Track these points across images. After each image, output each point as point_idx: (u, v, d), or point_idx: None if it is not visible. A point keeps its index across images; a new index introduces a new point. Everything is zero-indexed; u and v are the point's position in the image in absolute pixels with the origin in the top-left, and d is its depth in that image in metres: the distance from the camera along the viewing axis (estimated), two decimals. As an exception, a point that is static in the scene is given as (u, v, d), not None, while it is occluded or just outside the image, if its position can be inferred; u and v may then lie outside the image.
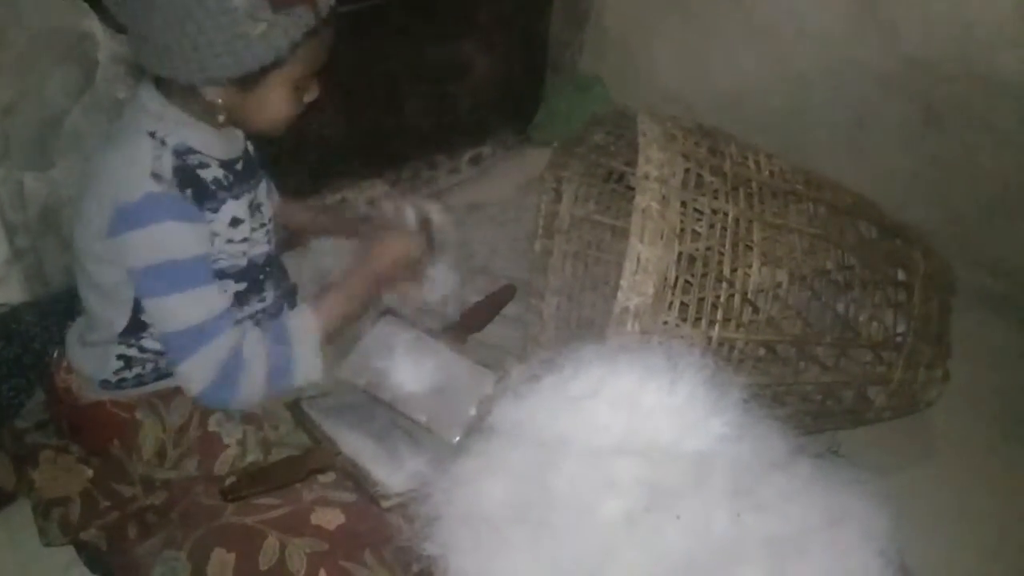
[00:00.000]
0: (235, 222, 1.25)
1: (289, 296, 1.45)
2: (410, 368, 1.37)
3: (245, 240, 1.27)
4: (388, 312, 1.45)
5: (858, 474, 1.12)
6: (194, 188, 1.18)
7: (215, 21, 1.06)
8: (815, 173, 1.49)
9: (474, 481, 1.07)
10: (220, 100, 1.15)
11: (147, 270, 1.16)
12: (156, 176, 1.14)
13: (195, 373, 1.18)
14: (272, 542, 1.13)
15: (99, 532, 1.24)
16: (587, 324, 1.84)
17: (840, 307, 1.45)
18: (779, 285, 1.38)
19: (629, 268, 1.26)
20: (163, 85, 1.19)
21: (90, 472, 1.26)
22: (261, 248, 1.33)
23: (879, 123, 2.18)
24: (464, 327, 1.54)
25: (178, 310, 1.17)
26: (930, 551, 1.34)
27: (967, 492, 1.62)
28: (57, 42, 1.22)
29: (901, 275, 1.52)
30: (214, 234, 1.22)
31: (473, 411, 1.33)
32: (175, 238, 1.16)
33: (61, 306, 1.37)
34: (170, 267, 1.15)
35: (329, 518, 1.17)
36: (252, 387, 1.21)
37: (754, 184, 1.38)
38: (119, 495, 1.24)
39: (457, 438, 1.31)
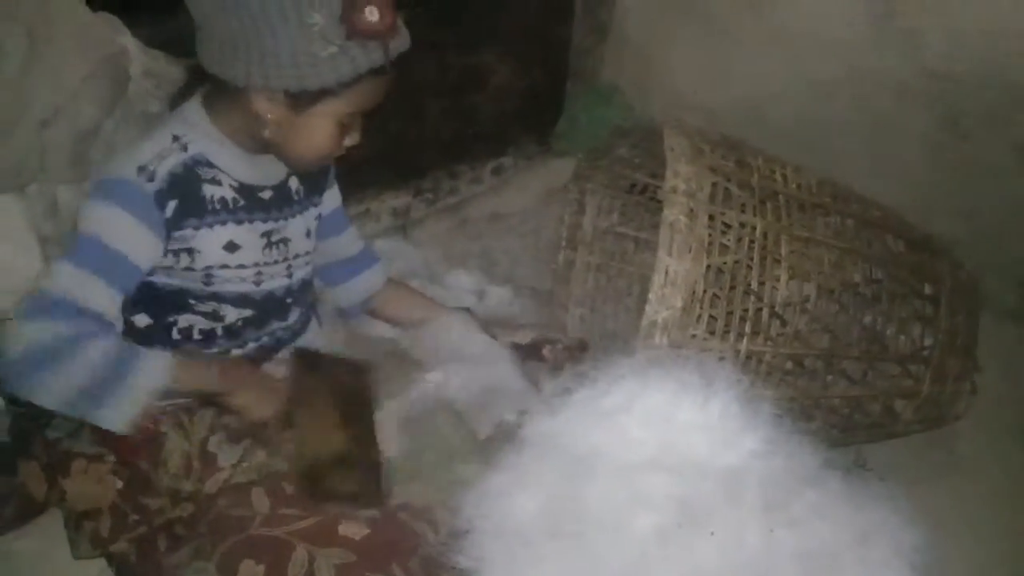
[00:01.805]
0: (231, 247, 1.24)
1: (314, 317, 1.45)
2: (469, 360, 1.40)
3: (246, 267, 1.27)
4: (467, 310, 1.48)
5: (889, 489, 1.12)
6: (183, 200, 1.18)
7: (290, 33, 1.07)
8: (842, 186, 1.49)
9: (506, 494, 1.07)
10: (269, 115, 1.16)
11: (77, 236, 1.13)
12: (142, 170, 1.14)
13: (16, 335, 1.09)
14: (301, 553, 1.13)
15: (129, 545, 1.24)
16: (610, 336, 1.85)
17: (867, 320, 1.45)
18: (807, 298, 1.38)
19: (657, 281, 1.26)
20: (209, 101, 1.21)
21: (120, 483, 1.27)
22: (279, 281, 1.33)
23: (901, 133, 2.18)
24: (531, 352, 1.53)
25: (61, 277, 1.12)
26: (957, 566, 1.33)
27: (995, 505, 1.61)
28: (91, 57, 1.23)
29: (928, 288, 1.52)
30: (194, 251, 1.21)
31: (510, 417, 1.33)
32: (116, 226, 1.13)
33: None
34: (90, 242, 1.12)
35: (354, 529, 1.17)
36: (53, 386, 1.09)
37: (781, 197, 1.38)
38: (147, 508, 1.24)
39: (485, 435, 1.32)
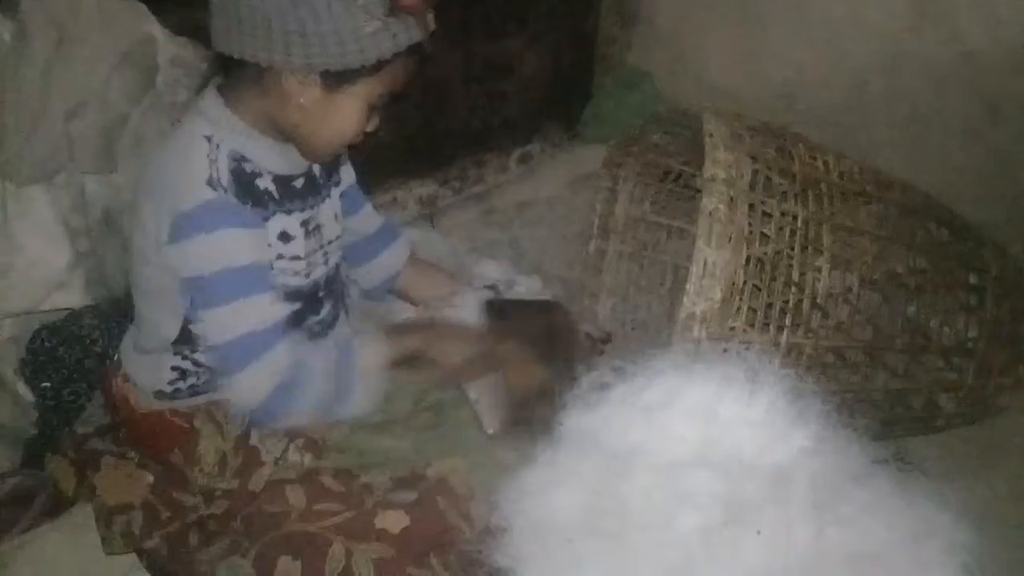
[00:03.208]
0: (285, 237, 1.22)
1: (343, 308, 1.43)
2: None
3: (298, 259, 1.25)
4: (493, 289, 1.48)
5: (936, 485, 1.09)
6: (249, 192, 1.16)
7: (333, 9, 1.04)
8: (884, 173, 1.45)
9: (544, 491, 1.05)
10: (300, 98, 1.13)
11: (201, 280, 1.13)
12: (212, 183, 1.12)
13: (250, 386, 1.15)
14: (338, 549, 1.12)
15: (161, 541, 1.23)
16: (642, 326, 1.82)
17: (911, 311, 1.41)
18: (849, 289, 1.34)
19: (696, 272, 1.23)
20: (226, 92, 1.18)
21: (151, 478, 1.25)
22: (320, 271, 1.31)
23: (938, 118, 2.12)
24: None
25: (232, 320, 1.14)
26: (1004, 565, 1.29)
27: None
28: (118, 46, 1.21)
29: (973, 278, 1.48)
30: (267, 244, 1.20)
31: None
32: (232, 245, 1.13)
33: (121, 309, 1.37)
34: (225, 276, 1.12)
35: (393, 521, 1.16)
36: (306, 407, 1.18)
37: (823, 185, 1.35)
38: (180, 504, 1.23)
39: (492, 430, 1.31)
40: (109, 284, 1.37)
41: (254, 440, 1.24)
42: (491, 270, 1.85)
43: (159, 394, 1.28)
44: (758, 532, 0.94)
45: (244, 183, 1.16)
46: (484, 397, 1.35)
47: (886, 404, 1.42)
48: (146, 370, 1.28)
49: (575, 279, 1.94)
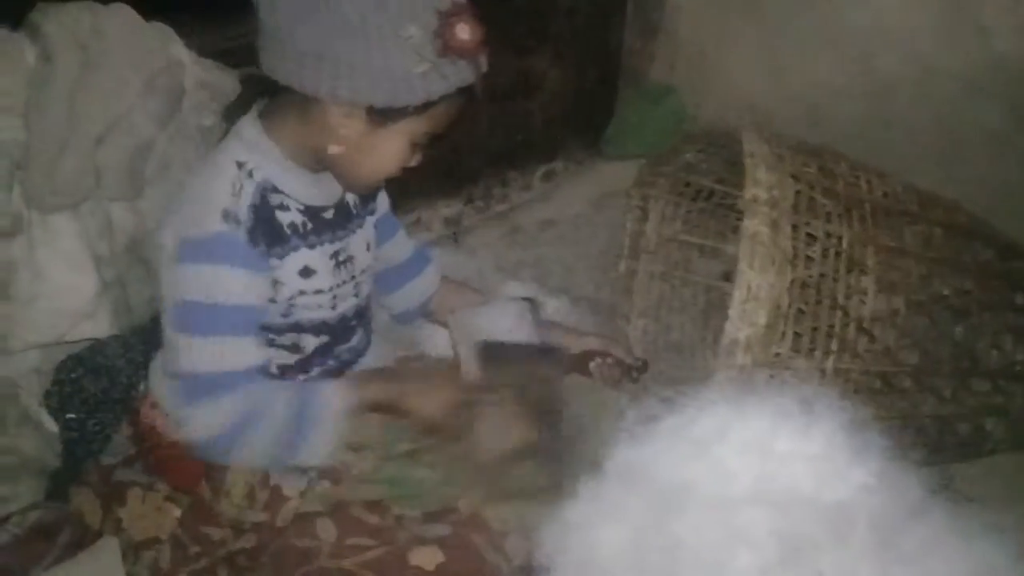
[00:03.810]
0: (306, 272, 1.19)
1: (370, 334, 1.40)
2: None
3: (322, 292, 1.22)
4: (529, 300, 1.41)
5: (994, 517, 1.04)
6: (267, 229, 1.14)
7: (384, 45, 1.02)
8: (927, 191, 1.41)
9: (588, 528, 1.01)
10: (343, 130, 1.10)
11: (187, 305, 1.10)
12: (227, 216, 1.10)
13: (199, 423, 1.11)
14: (372, 586, 1.08)
15: (189, 576, 1.20)
16: (675, 347, 1.78)
17: (958, 334, 1.37)
18: (896, 312, 1.30)
19: (739, 297, 1.19)
20: (267, 117, 1.15)
21: (178, 511, 1.22)
22: (350, 302, 1.28)
23: (967, 129, 2.07)
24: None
25: (203, 353, 1.10)
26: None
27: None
28: (145, 69, 1.18)
29: (1020, 299, 1.44)
30: (277, 282, 1.17)
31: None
32: (226, 284, 1.11)
33: (146, 337, 1.34)
34: (210, 309, 1.10)
35: (428, 557, 1.12)
36: (253, 452, 1.13)
37: (867, 205, 1.31)
38: (208, 539, 1.19)
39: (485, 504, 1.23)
40: (134, 312, 1.33)
41: (274, 476, 1.21)
42: (518, 291, 1.82)
43: None
44: (820, 573, 0.91)
45: (264, 218, 1.14)
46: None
47: (933, 430, 1.37)
48: (172, 397, 1.25)
49: (603, 300, 1.91)
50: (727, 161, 1.59)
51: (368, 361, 1.38)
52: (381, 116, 1.09)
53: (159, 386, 1.28)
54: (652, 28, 2.47)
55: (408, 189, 1.98)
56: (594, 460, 1.08)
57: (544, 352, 1.36)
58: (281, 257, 1.16)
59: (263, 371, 1.16)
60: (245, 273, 1.11)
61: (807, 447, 0.93)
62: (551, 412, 1.27)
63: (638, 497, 1.00)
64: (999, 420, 1.42)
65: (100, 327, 1.25)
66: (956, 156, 2.09)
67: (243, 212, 1.11)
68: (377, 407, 1.21)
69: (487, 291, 1.68)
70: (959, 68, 2.02)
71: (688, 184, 1.70)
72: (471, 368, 1.29)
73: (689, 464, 0.97)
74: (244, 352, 1.13)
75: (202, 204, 1.11)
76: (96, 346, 1.30)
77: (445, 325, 1.52)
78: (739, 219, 1.78)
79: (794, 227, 1.23)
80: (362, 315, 1.34)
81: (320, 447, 1.15)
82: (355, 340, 1.33)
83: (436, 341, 1.61)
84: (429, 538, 1.15)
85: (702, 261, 1.78)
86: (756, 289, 1.19)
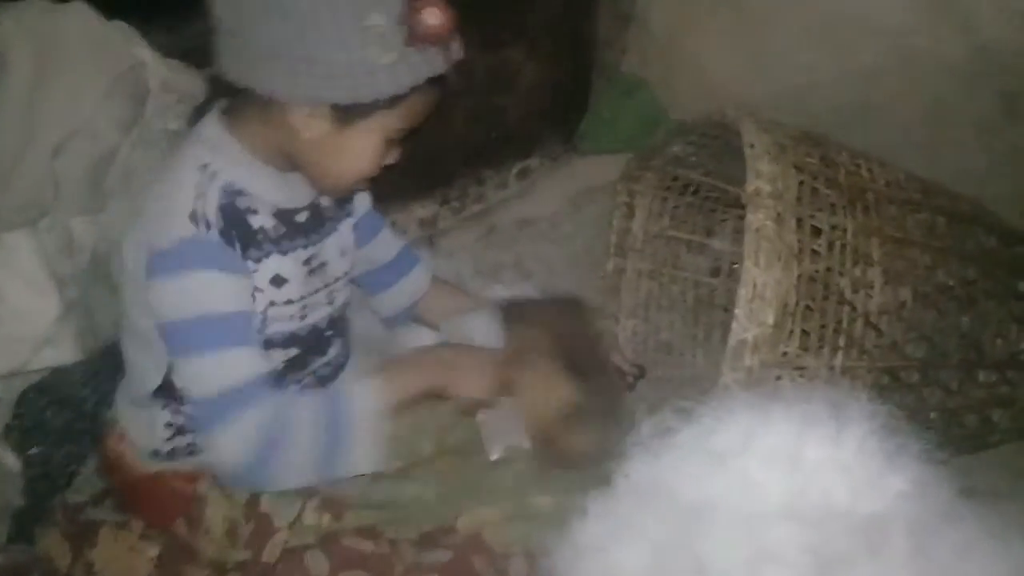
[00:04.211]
0: (278, 280, 1.11)
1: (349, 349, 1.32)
2: None
3: (293, 303, 1.14)
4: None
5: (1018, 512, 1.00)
6: (239, 231, 1.06)
7: (344, 38, 0.94)
8: (929, 180, 1.37)
9: (604, 549, 0.95)
10: (307, 132, 1.02)
11: (176, 325, 1.02)
12: (195, 218, 1.01)
13: (227, 446, 1.02)
14: (366, 622, 1.01)
15: (169, 622, 1.11)
16: (665, 347, 1.72)
17: (964, 325, 1.33)
18: (903, 305, 1.26)
19: (744, 295, 1.13)
20: (231, 118, 1.07)
21: (154, 551, 1.13)
22: (322, 311, 1.20)
23: (954, 117, 2.04)
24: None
25: (207, 373, 1.02)
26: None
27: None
28: (107, 71, 1.10)
29: (1023, 286, 1.40)
30: (256, 290, 1.09)
31: (526, 444, 1.19)
32: (209, 290, 1.02)
33: (112, 361, 1.25)
34: (200, 323, 1.02)
35: (429, 587, 1.05)
36: (291, 470, 1.05)
37: (870, 195, 1.26)
38: (188, 581, 1.11)
39: (496, 455, 1.20)
40: (99, 336, 1.25)
41: (264, 506, 1.13)
42: (502, 294, 1.75)
43: (155, 454, 1.17)
44: (856, 590, 0.86)
45: (234, 221, 1.05)
46: (490, 417, 1.24)
47: (940, 423, 1.33)
48: (141, 427, 1.17)
49: (588, 300, 1.85)
50: (716, 153, 1.54)
51: (350, 373, 1.31)
52: (347, 114, 1.01)
53: (127, 415, 1.19)
54: (623, 18, 2.40)
55: (381, 192, 1.91)
56: (605, 476, 1.02)
57: (566, 303, 1.32)
58: (256, 262, 1.07)
59: (286, 372, 1.10)
60: (226, 276, 1.03)
61: (837, 455, 0.88)
62: (590, 365, 1.21)
63: (655, 515, 0.94)
64: (1005, 411, 1.39)
65: (63, 353, 1.17)
66: (942, 145, 2.06)
67: (212, 213, 1.02)
68: (418, 397, 1.14)
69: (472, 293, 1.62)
70: (944, 55, 1.98)
71: (676, 178, 1.64)
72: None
73: (711, 478, 0.91)
74: (247, 363, 1.04)
75: (165, 213, 1.03)
76: (60, 374, 1.22)
77: (435, 328, 1.45)
78: (727, 214, 1.74)
79: (799, 220, 1.17)
80: (337, 325, 1.26)
81: (366, 453, 1.06)
82: (332, 353, 1.26)
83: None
84: (427, 565, 1.07)
85: (690, 257, 1.73)
86: (762, 287, 1.13)
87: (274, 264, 1.10)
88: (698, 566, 0.88)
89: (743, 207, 1.70)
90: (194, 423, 1.10)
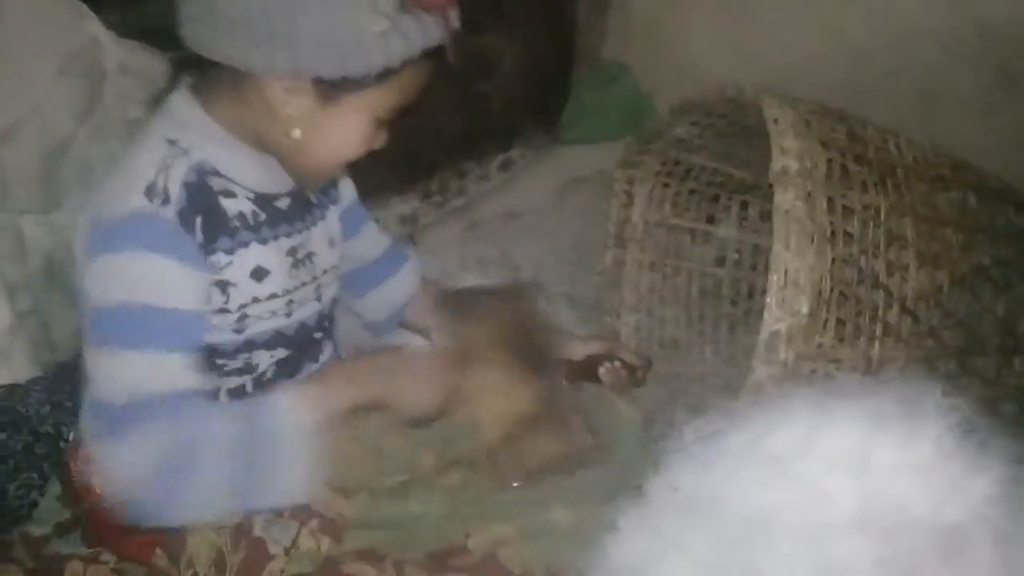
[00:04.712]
0: (259, 273, 0.98)
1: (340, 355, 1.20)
2: None
3: (278, 297, 1.01)
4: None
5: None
6: (207, 216, 0.92)
7: (329, 5, 0.83)
8: (958, 156, 1.29)
9: (648, 569, 0.84)
10: (287, 109, 0.90)
11: (102, 310, 0.88)
12: (151, 192, 0.88)
13: (121, 464, 0.87)
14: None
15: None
16: (671, 344, 1.62)
17: (999, 309, 1.25)
18: (939, 288, 1.17)
19: (776, 283, 1.04)
20: (202, 93, 0.95)
21: (128, 586, 1.01)
22: (310, 307, 1.08)
23: (949, 94, 1.99)
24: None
25: (122, 373, 0.88)
26: None
27: None
28: (58, 50, 0.97)
29: (1055, 265, 1.33)
30: (228, 284, 0.96)
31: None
32: (150, 277, 0.88)
33: (74, 376, 1.12)
34: (131, 313, 0.88)
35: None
36: (202, 499, 0.90)
37: (899, 172, 1.18)
38: (169, 620, 0.98)
39: (517, 483, 1.08)
40: (57, 349, 1.12)
41: (257, 528, 1.00)
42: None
43: None
44: (940, 607, 0.76)
45: (201, 203, 0.92)
46: None
47: (978, 415, 1.25)
48: (91, 433, 1.03)
49: (581, 295, 1.75)
50: (721, 135, 1.45)
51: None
52: (332, 89, 0.89)
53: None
54: (603, 1, 2.32)
55: (359, 187, 1.79)
56: (636, 486, 0.92)
57: (511, 291, 1.20)
58: (230, 253, 0.95)
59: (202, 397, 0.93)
60: (173, 265, 0.89)
61: (918, 459, 0.78)
62: (541, 361, 1.10)
63: (704, 529, 0.84)
64: (1042, 398, 1.31)
65: (17, 369, 1.04)
66: (939, 123, 1.98)
67: (174, 188, 0.89)
68: (354, 410, 0.99)
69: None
70: (939, 32, 1.93)
71: (677, 163, 1.54)
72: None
73: (768, 486, 0.81)
74: (180, 373, 0.89)
75: (120, 181, 0.89)
76: (13, 392, 1.09)
77: (426, 335, 1.33)
78: (730, 200, 1.65)
79: (829, 200, 1.08)
80: (326, 326, 1.14)
81: (294, 477, 0.91)
82: (324, 356, 1.14)
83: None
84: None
85: (695, 246, 1.63)
86: (795, 273, 1.04)
87: (254, 254, 0.97)
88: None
89: (748, 192, 1.64)
90: (89, 428, 0.93)
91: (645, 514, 0.88)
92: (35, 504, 1.11)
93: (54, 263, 1.08)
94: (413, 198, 1.89)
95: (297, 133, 0.93)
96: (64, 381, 1.13)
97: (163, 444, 0.86)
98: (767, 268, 1.65)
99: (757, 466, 0.82)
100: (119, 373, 0.88)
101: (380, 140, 0.99)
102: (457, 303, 1.15)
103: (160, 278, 0.89)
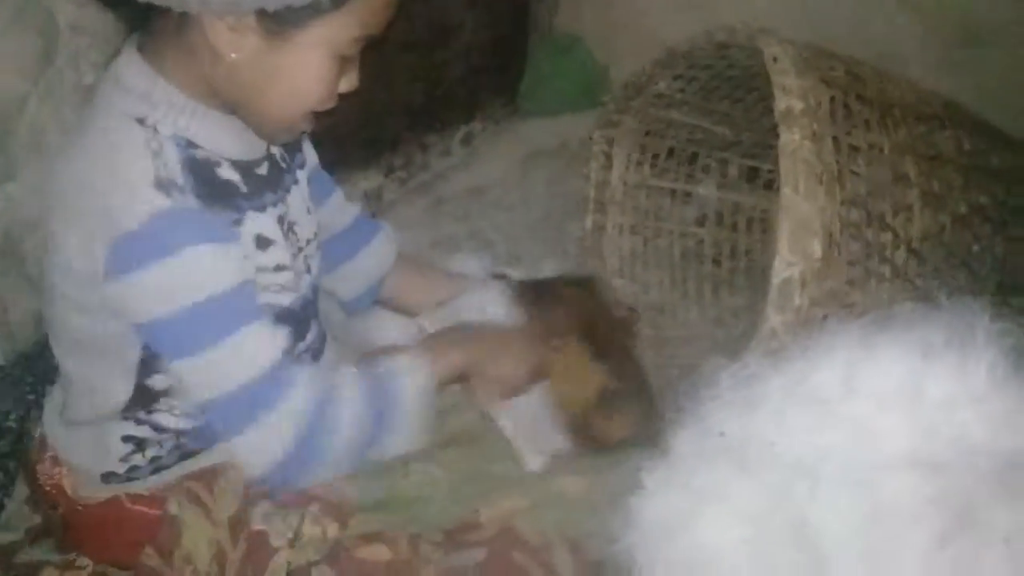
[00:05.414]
0: (263, 241, 0.92)
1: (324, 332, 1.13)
2: None
3: (283, 269, 0.95)
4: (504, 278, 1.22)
5: None
6: (212, 189, 0.86)
7: None
8: (947, 96, 1.27)
9: (690, 523, 0.79)
10: (233, 53, 0.82)
11: (169, 321, 0.83)
12: (161, 184, 0.81)
13: (261, 447, 0.86)
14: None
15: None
16: (656, 308, 1.58)
17: (998, 250, 1.23)
18: (942, 228, 1.15)
19: (787, 227, 1.00)
20: (149, 53, 0.86)
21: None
22: (305, 280, 1.01)
23: (911, 50, 1.98)
24: None
25: (224, 366, 0.85)
26: None
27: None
28: (6, 2, 0.87)
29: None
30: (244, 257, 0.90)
31: (562, 442, 1.08)
32: (203, 268, 0.83)
33: (37, 366, 1.02)
34: (203, 311, 0.83)
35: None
36: (336, 460, 0.91)
37: (897, 111, 1.15)
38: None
39: (536, 467, 1.06)
40: (16, 336, 1.02)
41: (257, 520, 0.93)
42: (471, 265, 1.57)
43: (109, 476, 0.96)
44: (1005, 540, 0.73)
45: (204, 178, 0.85)
46: (522, 425, 1.09)
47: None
48: (85, 447, 0.95)
49: (561, 267, 1.69)
50: (704, 88, 1.40)
51: (329, 360, 1.11)
52: (278, 23, 0.81)
53: (62, 435, 0.97)
54: (552, -32, 2.27)
55: (322, 160, 1.71)
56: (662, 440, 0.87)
57: (581, 281, 1.25)
58: (238, 223, 0.89)
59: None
60: (221, 248, 0.84)
61: (972, 389, 0.75)
62: (614, 346, 1.14)
63: (747, 480, 0.79)
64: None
65: (-30, 360, 0.93)
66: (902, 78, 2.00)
67: (176, 176, 0.82)
68: (452, 381, 1.02)
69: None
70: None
71: (658, 120, 1.50)
72: None
73: (816, 429, 0.77)
74: (267, 342, 0.87)
75: (120, 183, 0.82)
76: (-32, 386, 0.98)
77: (410, 313, 1.26)
78: (709, 157, 1.61)
79: (834, 139, 1.05)
80: (313, 302, 1.07)
81: (414, 435, 0.95)
82: (311, 335, 1.07)
83: (391, 335, 1.32)
84: (459, 568, 0.92)
85: (675, 207, 1.59)
86: (806, 215, 1.00)
87: (254, 222, 0.91)
88: (803, 531, 0.74)
89: (728, 150, 1.60)
90: (210, 430, 0.91)
91: (674, 470, 0.84)
92: (2, 507, 1.02)
93: (11, 241, 0.99)
94: (377, 174, 1.81)
95: (244, 81, 0.85)
96: (25, 372, 1.03)
97: (296, 416, 0.86)
98: (748, 227, 1.65)
99: (801, 408, 0.78)
100: (219, 369, 0.85)
101: (349, 83, 0.91)
102: (531, 291, 1.18)
103: (213, 266, 0.84)
